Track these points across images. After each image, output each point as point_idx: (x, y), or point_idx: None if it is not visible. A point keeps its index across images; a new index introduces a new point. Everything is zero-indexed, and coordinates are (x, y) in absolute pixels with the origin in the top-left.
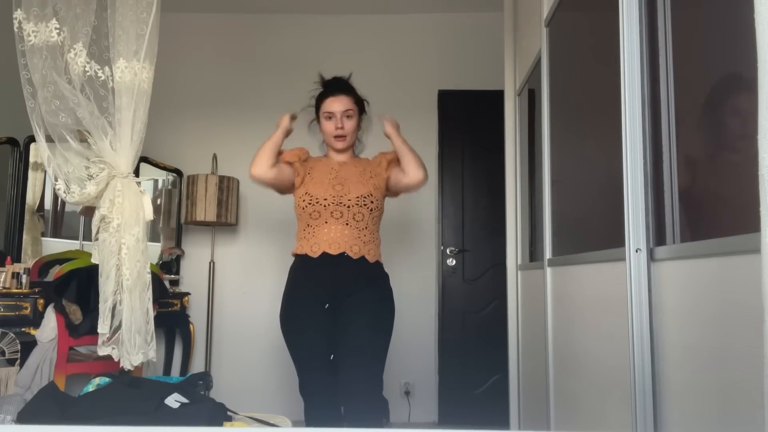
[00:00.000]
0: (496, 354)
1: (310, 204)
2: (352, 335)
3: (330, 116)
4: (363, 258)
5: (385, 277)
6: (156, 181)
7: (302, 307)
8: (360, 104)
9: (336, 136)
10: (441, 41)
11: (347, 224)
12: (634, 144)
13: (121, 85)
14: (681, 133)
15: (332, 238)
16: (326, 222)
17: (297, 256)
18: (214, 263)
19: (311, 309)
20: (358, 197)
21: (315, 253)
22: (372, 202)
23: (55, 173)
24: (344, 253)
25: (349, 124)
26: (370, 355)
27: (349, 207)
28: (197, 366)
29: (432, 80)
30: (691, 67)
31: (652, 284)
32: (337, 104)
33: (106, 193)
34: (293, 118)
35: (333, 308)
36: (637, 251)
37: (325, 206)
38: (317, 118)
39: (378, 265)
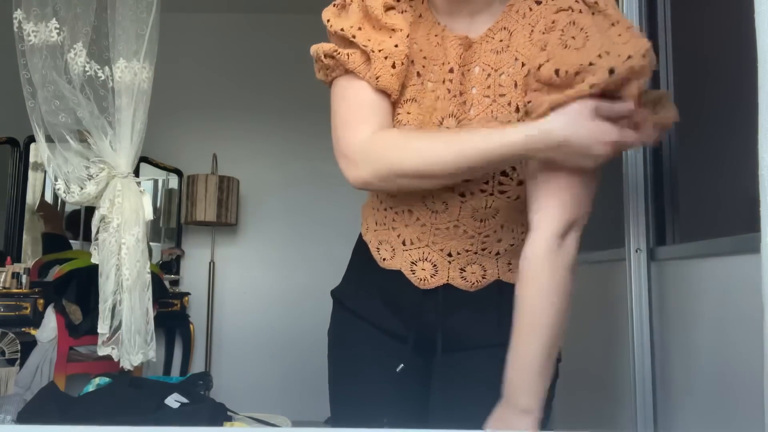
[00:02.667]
0: None
1: None
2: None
3: None
4: (497, 284)
5: None
6: (156, 181)
7: (362, 345)
8: None
9: None
10: None
11: (458, 226)
12: None
13: (121, 85)
14: (681, 133)
15: (420, 250)
16: (411, 208)
17: (361, 242)
18: (214, 263)
19: (379, 354)
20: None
21: (384, 261)
22: (518, 180)
23: (55, 173)
24: (448, 285)
25: None
26: None
27: (463, 196)
28: (197, 366)
29: None
30: (691, 67)
31: (652, 284)
32: None
33: (106, 193)
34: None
35: (422, 355)
36: (637, 251)
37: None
38: None
39: None
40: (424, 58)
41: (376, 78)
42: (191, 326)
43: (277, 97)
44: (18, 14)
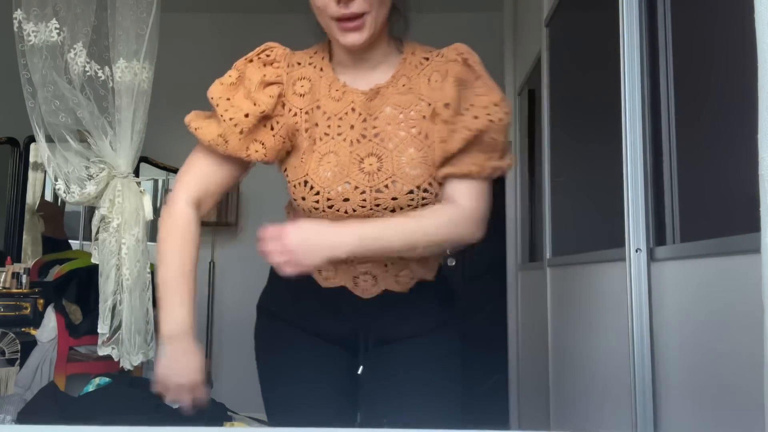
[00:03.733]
0: (496, 354)
1: (316, 209)
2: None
3: None
4: (420, 282)
5: (451, 300)
6: (156, 181)
7: (300, 351)
8: None
9: (341, 19)
10: (441, 41)
11: None
12: (634, 144)
13: (121, 85)
14: (681, 133)
15: (360, 265)
16: None
17: None
18: (214, 263)
19: (317, 358)
20: (411, 192)
21: (326, 280)
22: (435, 194)
23: (55, 173)
24: (386, 291)
25: None
26: None
27: (394, 211)
28: None
29: None
30: (691, 67)
31: (652, 284)
32: None
33: (106, 193)
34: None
35: (356, 357)
36: (637, 251)
37: (347, 212)
38: None
39: (441, 279)
40: (328, 118)
41: (226, 142)
42: None
43: None
44: (18, 14)
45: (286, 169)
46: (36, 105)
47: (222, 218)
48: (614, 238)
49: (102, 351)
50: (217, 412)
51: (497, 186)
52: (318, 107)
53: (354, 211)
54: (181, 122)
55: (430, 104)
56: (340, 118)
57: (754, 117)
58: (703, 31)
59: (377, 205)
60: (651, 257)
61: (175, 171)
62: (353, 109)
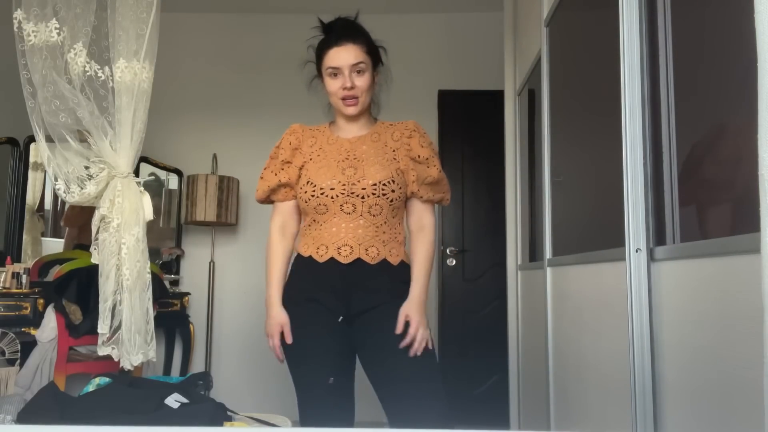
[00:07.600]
0: (496, 354)
1: (313, 196)
2: (388, 360)
3: (335, 72)
4: (384, 261)
5: (406, 284)
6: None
7: (307, 317)
8: (374, 53)
9: (345, 98)
10: (441, 41)
11: (361, 220)
12: (634, 144)
13: (121, 85)
14: (681, 133)
15: (342, 239)
16: (335, 217)
17: (301, 257)
18: (214, 263)
19: (319, 319)
20: (374, 185)
21: (322, 257)
22: (393, 190)
23: (55, 173)
24: (359, 259)
25: (362, 81)
26: (428, 375)
27: (363, 198)
28: (197, 366)
29: (432, 80)
30: (691, 67)
31: (652, 284)
32: (343, 55)
33: (106, 193)
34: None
35: (348, 322)
36: (637, 251)
37: (332, 198)
38: (319, 74)
39: (404, 267)
40: (326, 152)
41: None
42: (191, 326)
43: (277, 96)
44: (18, 14)
45: (298, 183)
46: (36, 105)
47: (222, 218)
48: (614, 238)
49: (102, 351)
50: (217, 412)
51: (497, 185)
52: (320, 149)
53: (337, 196)
54: (181, 122)
55: (393, 149)
56: (333, 151)
57: (754, 117)
58: (703, 30)
59: (352, 192)
60: (651, 257)
61: (175, 171)
62: (342, 147)
